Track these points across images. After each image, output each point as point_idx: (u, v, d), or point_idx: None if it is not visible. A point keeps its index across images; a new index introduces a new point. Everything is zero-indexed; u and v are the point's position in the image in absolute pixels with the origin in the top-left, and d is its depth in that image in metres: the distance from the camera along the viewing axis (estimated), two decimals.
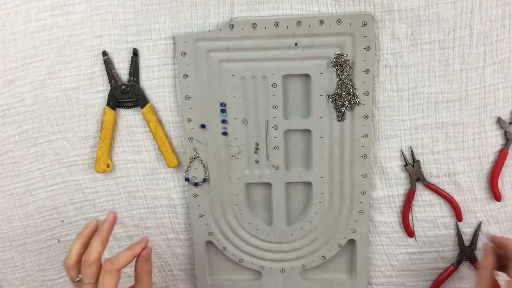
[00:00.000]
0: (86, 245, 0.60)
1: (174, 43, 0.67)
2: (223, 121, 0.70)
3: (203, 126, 0.70)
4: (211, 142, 0.71)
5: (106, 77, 0.69)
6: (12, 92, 0.70)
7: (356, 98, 0.67)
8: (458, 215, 0.72)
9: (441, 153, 0.71)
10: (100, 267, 0.58)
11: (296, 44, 0.66)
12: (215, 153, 0.71)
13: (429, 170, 0.71)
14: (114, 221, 0.62)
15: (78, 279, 0.59)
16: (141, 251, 0.61)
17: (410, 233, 0.74)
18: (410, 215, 0.73)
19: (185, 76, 0.68)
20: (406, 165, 0.71)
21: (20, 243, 0.77)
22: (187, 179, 0.72)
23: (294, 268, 0.75)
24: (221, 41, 0.66)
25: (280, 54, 0.66)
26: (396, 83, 0.68)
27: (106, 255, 0.78)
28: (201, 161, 0.71)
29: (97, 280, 0.58)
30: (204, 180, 0.72)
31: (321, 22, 0.65)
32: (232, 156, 0.71)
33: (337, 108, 0.68)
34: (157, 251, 0.78)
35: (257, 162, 0.71)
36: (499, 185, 0.71)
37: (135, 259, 0.61)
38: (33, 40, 0.68)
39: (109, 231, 0.61)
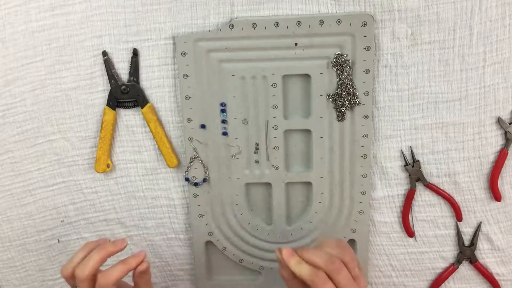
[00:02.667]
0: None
1: (174, 43, 0.67)
2: (223, 121, 0.70)
3: (203, 126, 0.70)
4: (211, 142, 0.71)
5: (106, 77, 0.69)
6: (12, 92, 0.70)
7: (356, 98, 0.67)
8: (458, 215, 0.72)
9: (441, 153, 0.71)
10: (94, 281, 0.57)
11: (296, 44, 0.66)
12: (215, 153, 0.71)
13: (429, 170, 0.71)
14: (122, 248, 0.60)
15: None
16: (137, 266, 0.59)
17: (410, 233, 0.74)
18: (410, 215, 0.73)
19: (185, 76, 0.68)
20: (406, 165, 0.71)
21: (20, 243, 0.77)
22: (187, 179, 0.72)
23: None
24: (221, 41, 0.66)
25: (280, 54, 0.66)
26: (396, 83, 0.68)
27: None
28: (201, 161, 0.71)
29: None
30: (204, 180, 0.72)
31: (321, 22, 0.65)
32: (232, 156, 0.71)
33: (337, 108, 0.68)
34: (157, 251, 0.78)
35: (257, 162, 0.71)
36: (499, 185, 0.71)
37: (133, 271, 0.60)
38: (33, 40, 0.68)
39: (111, 253, 0.59)
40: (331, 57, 0.66)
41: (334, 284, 0.55)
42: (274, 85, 0.68)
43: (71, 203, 0.75)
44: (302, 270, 0.55)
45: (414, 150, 0.71)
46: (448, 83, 0.68)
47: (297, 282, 0.58)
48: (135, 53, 0.68)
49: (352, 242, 0.74)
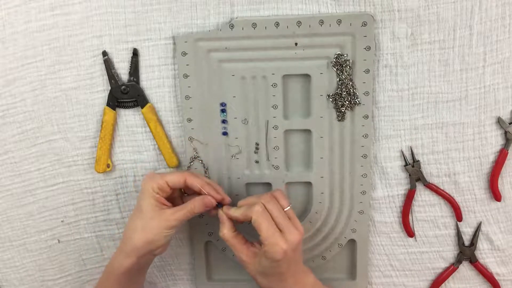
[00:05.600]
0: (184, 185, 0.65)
1: (174, 43, 0.67)
2: (223, 121, 0.70)
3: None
4: (211, 142, 0.71)
5: (106, 77, 0.69)
6: (12, 92, 0.70)
7: (356, 98, 0.67)
8: (458, 215, 0.72)
9: (441, 153, 0.71)
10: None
11: (296, 44, 0.66)
12: (215, 153, 0.71)
13: (429, 170, 0.71)
14: (209, 204, 0.64)
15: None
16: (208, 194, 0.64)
17: (410, 233, 0.74)
18: (410, 215, 0.73)
19: (185, 76, 0.68)
20: (406, 165, 0.71)
21: (20, 243, 0.77)
22: None
23: None
24: (221, 41, 0.66)
25: (280, 54, 0.67)
26: (396, 83, 0.68)
27: (106, 255, 0.78)
28: (201, 161, 0.71)
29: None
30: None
31: (321, 22, 0.65)
32: (232, 156, 0.71)
33: (337, 108, 0.68)
34: None
35: (257, 162, 0.71)
36: (499, 185, 0.71)
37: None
38: (33, 40, 0.68)
39: (197, 184, 0.64)
40: (331, 57, 0.66)
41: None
42: (274, 85, 0.68)
43: (71, 203, 0.75)
44: (238, 211, 0.63)
45: (414, 150, 0.71)
46: (448, 83, 0.68)
47: (238, 237, 0.64)
48: (135, 53, 0.68)
49: (352, 242, 0.74)
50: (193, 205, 0.63)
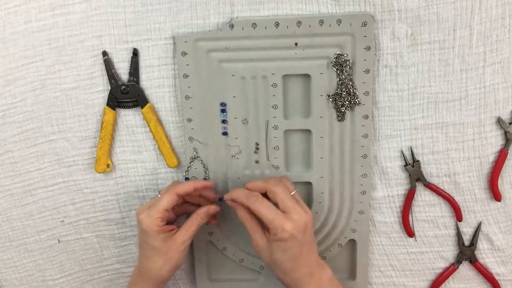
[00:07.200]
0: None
1: (174, 43, 0.67)
2: (223, 121, 0.70)
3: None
4: (211, 142, 0.71)
5: (106, 77, 0.69)
6: (12, 92, 0.70)
7: (356, 98, 0.67)
8: (458, 215, 0.72)
9: (441, 153, 0.71)
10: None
11: (296, 44, 0.66)
12: (215, 153, 0.71)
13: (429, 170, 0.71)
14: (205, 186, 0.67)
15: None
16: (203, 187, 0.67)
17: (410, 233, 0.74)
18: (410, 215, 0.73)
19: (185, 76, 0.68)
20: (406, 165, 0.71)
21: (20, 243, 0.77)
22: (187, 179, 0.72)
23: None
24: (221, 41, 0.66)
25: (280, 54, 0.67)
26: (396, 83, 0.68)
27: (106, 255, 0.78)
28: (201, 161, 0.71)
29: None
30: (204, 180, 0.72)
31: (321, 22, 0.65)
32: (232, 156, 0.71)
33: (337, 108, 0.68)
34: None
35: (257, 162, 0.71)
36: (499, 185, 0.71)
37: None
38: (33, 40, 0.68)
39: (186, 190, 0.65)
40: (331, 57, 0.66)
41: (273, 196, 0.62)
42: (274, 85, 0.68)
43: (71, 203, 0.75)
44: (256, 182, 0.64)
45: (414, 150, 0.71)
46: (448, 83, 0.68)
47: (254, 220, 0.64)
48: (135, 53, 0.68)
49: (352, 242, 0.74)
50: (200, 218, 0.66)
